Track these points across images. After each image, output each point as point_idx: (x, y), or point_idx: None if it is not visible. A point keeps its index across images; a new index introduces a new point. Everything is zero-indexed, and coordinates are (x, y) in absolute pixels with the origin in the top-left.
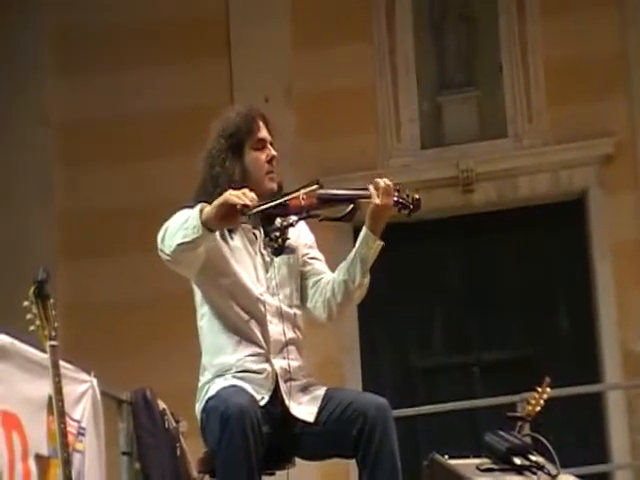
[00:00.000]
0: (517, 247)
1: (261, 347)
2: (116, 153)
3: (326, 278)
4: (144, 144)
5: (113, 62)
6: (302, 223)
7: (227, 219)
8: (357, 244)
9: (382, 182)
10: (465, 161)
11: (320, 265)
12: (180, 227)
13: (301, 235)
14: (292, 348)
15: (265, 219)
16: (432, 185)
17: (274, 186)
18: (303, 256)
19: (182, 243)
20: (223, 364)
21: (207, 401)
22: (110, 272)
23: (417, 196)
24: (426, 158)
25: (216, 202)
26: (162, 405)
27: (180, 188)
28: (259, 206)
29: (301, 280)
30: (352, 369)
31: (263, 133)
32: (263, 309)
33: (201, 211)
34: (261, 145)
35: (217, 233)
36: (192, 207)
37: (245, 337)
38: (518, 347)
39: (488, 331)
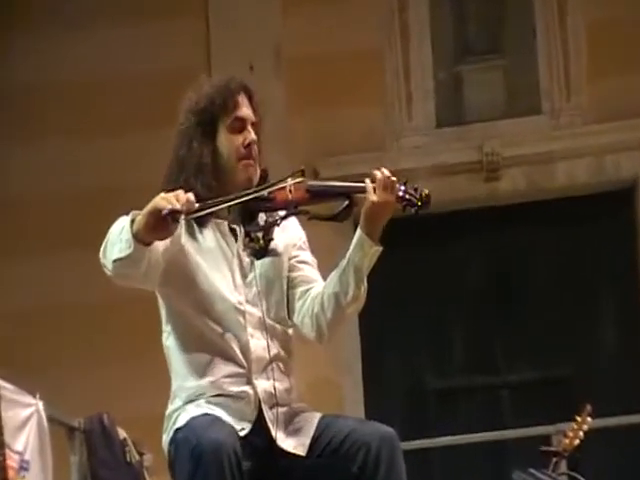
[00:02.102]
0: (552, 246)
1: (241, 366)
2: (63, 127)
3: (316, 289)
4: (96, 116)
5: (73, 20)
6: (291, 218)
7: (157, 230)
8: (350, 249)
9: (380, 174)
10: (490, 142)
11: (310, 271)
12: (117, 239)
13: (289, 233)
14: (278, 366)
15: (246, 215)
16: (450, 171)
17: (250, 176)
18: (291, 259)
19: (118, 259)
20: (195, 388)
21: (176, 432)
22: (51, 270)
23: (427, 191)
24: (443, 139)
25: (145, 209)
26: (123, 434)
27: (143, 170)
28: (206, 208)
29: (288, 288)
30: (352, 391)
31: (243, 111)
32: (242, 321)
33: (132, 221)
34: (238, 126)
35: (183, 231)
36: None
37: (221, 355)
38: (553, 366)
39: (517, 346)
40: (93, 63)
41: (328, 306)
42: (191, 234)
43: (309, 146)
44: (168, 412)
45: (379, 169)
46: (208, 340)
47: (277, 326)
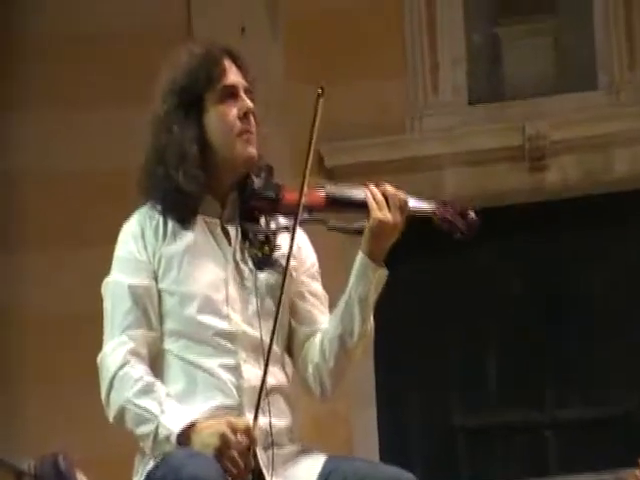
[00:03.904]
0: (611, 251)
1: (230, 397)
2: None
3: (319, 335)
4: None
5: None
6: (302, 233)
7: None
8: (351, 278)
9: (387, 190)
10: (534, 124)
11: (319, 308)
12: (142, 420)
13: (301, 252)
14: (276, 399)
15: (246, 213)
16: (485, 159)
17: (252, 152)
18: (299, 285)
19: (135, 433)
20: None
21: (149, 474)
22: None
23: (473, 214)
24: (476, 118)
25: (201, 443)
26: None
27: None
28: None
29: (290, 321)
30: (365, 429)
31: (232, 77)
32: (234, 343)
33: (183, 435)
34: (229, 94)
35: (160, 234)
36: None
37: (207, 383)
38: (610, 402)
39: (567, 376)
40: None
41: (330, 353)
42: (173, 233)
43: (310, 124)
44: (140, 450)
45: (378, 184)
46: (190, 363)
47: (276, 351)
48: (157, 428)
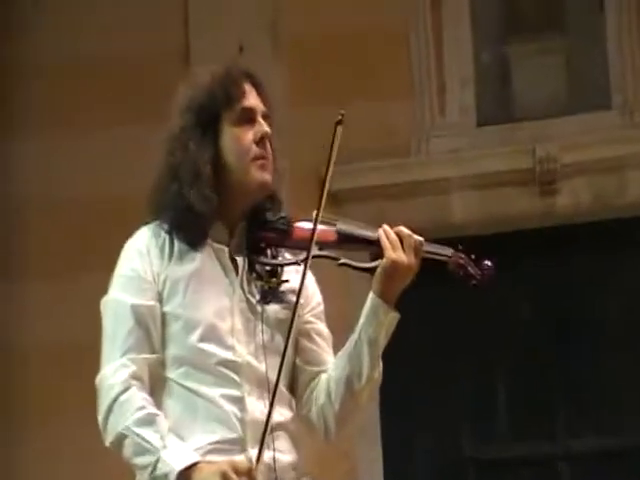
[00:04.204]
0: (626, 277)
1: (233, 430)
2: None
3: (325, 376)
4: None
5: None
6: (309, 276)
7: None
8: (361, 319)
9: (401, 231)
10: (545, 146)
11: (324, 349)
12: (144, 437)
13: (307, 289)
14: (281, 435)
15: (255, 245)
16: (494, 182)
17: (266, 178)
18: (305, 323)
19: (132, 462)
20: None
21: None
22: None
23: (488, 262)
24: (485, 140)
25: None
26: None
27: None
28: None
29: (296, 359)
30: (369, 464)
31: (251, 100)
32: (238, 374)
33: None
34: (247, 117)
35: (166, 254)
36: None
37: (208, 413)
38: (628, 432)
39: (580, 406)
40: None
41: (337, 394)
42: (179, 258)
43: (314, 148)
44: None
45: (392, 226)
46: (191, 391)
47: (282, 386)
48: (157, 462)
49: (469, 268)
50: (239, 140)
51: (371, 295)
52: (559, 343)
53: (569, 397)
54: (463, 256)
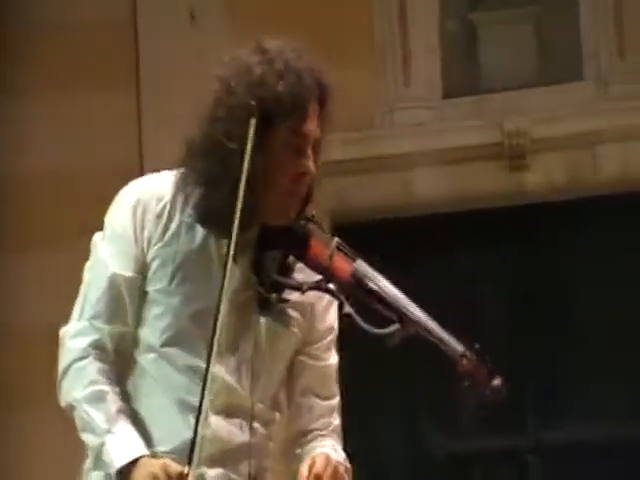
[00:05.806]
0: (600, 258)
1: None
2: None
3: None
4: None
5: None
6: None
7: None
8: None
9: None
10: (514, 119)
11: (328, 379)
12: (90, 415)
13: (314, 308)
14: (259, 462)
15: (266, 242)
16: (460, 158)
17: (289, 216)
18: (307, 343)
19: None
20: None
21: None
22: None
23: (498, 382)
24: (451, 113)
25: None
26: None
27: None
28: None
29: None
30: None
31: (309, 126)
32: (212, 385)
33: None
34: (298, 144)
35: (161, 225)
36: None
37: (171, 414)
38: (605, 423)
39: (552, 396)
40: None
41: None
42: (175, 237)
43: None
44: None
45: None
46: (159, 384)
47: (265, 410)
48: (102, 446)
49: (477, 378)
50: (278, 171)
51: None
52: (528, 330)
53: (541, 388)
54: (476, 363)
